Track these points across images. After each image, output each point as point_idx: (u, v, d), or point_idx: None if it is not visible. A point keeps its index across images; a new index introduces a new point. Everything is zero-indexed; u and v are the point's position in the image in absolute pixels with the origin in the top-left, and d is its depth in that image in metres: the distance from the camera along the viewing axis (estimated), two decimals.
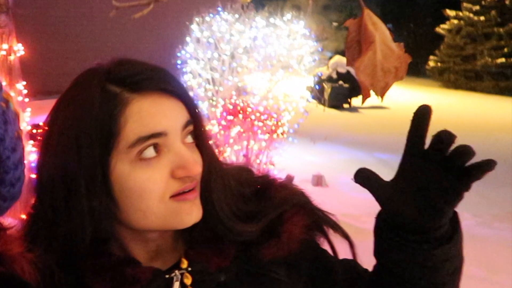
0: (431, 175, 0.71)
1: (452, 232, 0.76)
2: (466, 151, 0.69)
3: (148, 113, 0.72)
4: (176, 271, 0.78)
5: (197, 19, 6.29)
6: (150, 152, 0.72)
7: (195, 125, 0.78)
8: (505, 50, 17.98)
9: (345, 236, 0.87)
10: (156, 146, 0.73)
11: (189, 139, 0.77)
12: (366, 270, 0.90)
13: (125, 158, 0.72)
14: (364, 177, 0.75)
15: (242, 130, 5.11)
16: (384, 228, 0.78)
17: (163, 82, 0.75)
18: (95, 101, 0.72)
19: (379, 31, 0.72)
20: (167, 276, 0.77)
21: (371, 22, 0.72)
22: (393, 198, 0.74)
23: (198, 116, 0.79)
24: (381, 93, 0.71)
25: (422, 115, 0.71)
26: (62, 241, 0.72)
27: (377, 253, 0.81)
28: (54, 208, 0.72)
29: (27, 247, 0.70)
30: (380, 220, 0.79)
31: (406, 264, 0.76)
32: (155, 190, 0.73)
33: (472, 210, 5.71)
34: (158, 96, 0.74)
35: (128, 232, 0.78)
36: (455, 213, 0.77)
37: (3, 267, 0.68)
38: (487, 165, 0.69)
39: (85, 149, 0.71)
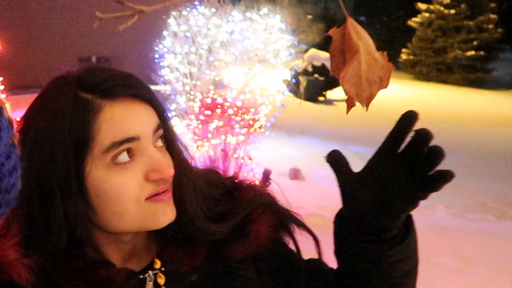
0: (396, 179, 0.74)
1: (405, 234, 0.78)
2: (438, 154, 0.71)
3: (121, 119, 0.74)
4: (150, 272, 0.81)
5: (174, 13, 6.26)
6: (124, 157, 0.74)
7: (165, 129, 0.80)
8: (475, 43, 18.29)
9: (310, 233, 0.90)
10: (129, 151, 0.75)
11: (160, 142, 0.79)
12: (331, 269, 0.92)
13: (99, 163, 0.74)
14: (335, 160, 0.77)
15: (220, 124, 5.12)
16: (340, 227, 0.80)
17: (134, 87, 0.76)
18: (68, 108, 0.73)
19: (363, 40, 0.73)
20: (141, 276, 0.80)
21: (354, 32, 0.73)
22: (354, 189, 0.76)
23: (167, 120, 0.81)
24: (366, 103, 0.72)
25: (408, 120, 0.73)
26: (39, 246, 0.73)
27: (335, 252, 0.84)
28: (31, 215, 0.73)
29: (23, 252, 0.71)
30: (338, 219, 0.81)
31: (360, 264, 0.79)
32: (131, 193, 0.74)
33: (445, 201, 5.86)
34: (129, 101, 0.75)
35: (102, 234, 0.79)
36: (409, 216, 0.79)
37: (0, 273, 0.69)
38: (445, 178, 0.71)
39: (59, 156, 0.73)
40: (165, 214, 0.77)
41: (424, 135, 0.71)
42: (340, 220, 0.80)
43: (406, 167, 0.73)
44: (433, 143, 0.72)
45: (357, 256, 0.78)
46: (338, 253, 0.83)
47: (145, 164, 0.75)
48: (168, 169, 0.76)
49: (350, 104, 0.73)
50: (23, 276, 0.70)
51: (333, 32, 0.74)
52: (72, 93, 0.74)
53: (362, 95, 0.72)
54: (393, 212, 0.74)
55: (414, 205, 0.74)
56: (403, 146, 0.75)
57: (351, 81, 0.72)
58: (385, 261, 0.77)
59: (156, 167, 0.75)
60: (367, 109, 0.72)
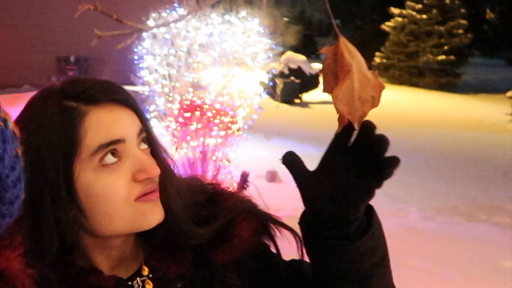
0: (349, 172, 0.75)
1: (367, 226, 0.79)
2: (382, 142, 0.73)
3: (106, 122, 0.77)
4: (138, 278, 0.83)
5: (153, 14, 6.25)
6: (111, 158, 0.77)
7: (147, 133, 0.83)
8: (445, 47, 18.67)
9: (292, 231, 0.92)
10: (115, 153, 0.77)
11: (144, 145, 0.82)
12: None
13: (88, 166, 0.76)
14: (291, 161, 0.78)
15: (199, 126, 5.14)
16: (305, 227, 0.81)
17: (115, 93, 0.80)
18: (54, 117, 0.76)
19: (355, 59, 0.73)
20: (129, 283, 0.82)
21: (347, 51, 0.73)
22: (311, 187, 0.77)
23: (148, 125, 0.84)
24: (358, 122, 0.74)
25: None
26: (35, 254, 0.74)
27: (306, 253, 0.85)
28: (22, 224, 0.73)
29: (27, 263, 0.72)
30: (302, 220, 0.82)
31: (328, 261, 0.80)
32: (120, 193, 0.77)
33: (417, 204, 6.01)
34: (112, 106, 0.79)
35: (92, 240, 0.81)
36: (371, 208, 0.80)
37: (5, 283, 0.71)
38: (393, 163, 0.73)
39: (48, 162, 0.75)
40: (154, 213, 0.79)
41: (368, 126, 0.74)
42: (304, 220, 0.82)
43: (357, 159, 0.75)
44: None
45: (324, 253, 0.80)
46: (308, 253, 0.85)
47: (132, 165, 0.78)
48: (154, 169, 0.79)
49: (341, 122, 0.75)
50: (27, 286, 0.72)
51: (325, 50, 0.76)
52: (57, 103, 0.77)
53: (354, 114, 0.73)
54: (351, 204, 0.76)
55: (370, 194, 0.76)
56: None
57: (344, 100, 0.73)
58: (352, 254, 0.78)
59: (143, 167, 0.78)
60: (359, 128, 0.74)
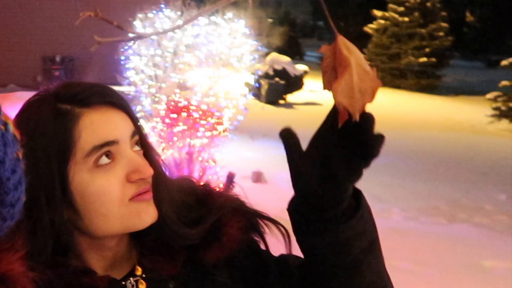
0: (338, 152, 0.76)
1: (355, 210, 0.79)
2: (368, 119, 0.74)
3: (100, 124, 0.79)
4: (131, 279, 0.84)
5: (140, 15, 6.24)
6: (105, 159, 0.78)
7: (140, 135, 0.85)
8: (427, 50, 18.92)
9: (280, 225, 0.92)
10: (109, 154, 0.79)
11: (137, 147, 0.83)
12: (301, 262, 0.92)
13: (83, 167, 0.78)
14: (288, 136, 0.78)
15: (186, 127, 5.15)
16: (293, 213, 0.81)
17: (109, 95, 0.81)
18: (49, 119, 0.77)
19: (354, 54, 0.74)
20: (123, 283, 0.83)
21: (345, 47, 0.74)
22: (301, 166, 0.78)
23: (141, 128, 0.86)
24: (359, 113, 0.75)
25: None
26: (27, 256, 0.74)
27: (296, 241, 0.85)
28: (22, 226, 0.74)
29: (28, 266, 0.72)
30: (291, 205, 0.82)
31: (315, 246, 0.80)
32: (114, 193, 0.78)
33: (400, 204, 6.10)
34: (106, 108, 0.80)
35: (86, 241, 0.82)
36: (360, 193, 0.81)
37: (6, 286, 0.72)
38: (379, 140, 0.74)
39: (43, 165, 0.76)
40: (148, 213, 0.81)
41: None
42: (293, 206, 0.82)
43: (346, 138, 0.75)
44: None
45: (312, 238, 0.79)
46: (297, 241, 0.84)
47: (126, 166, 0.80)
48: (148, 169, 0.81)
49: (342, 117, 0.76)
50: None
51: (324, 49, 0.76)
52: (51, 106, 0.79)
53: (355, 106, 0.73)
54: (340, 184, 0.76)
55: (358, 174, 0.76)
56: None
57: (343, 93, 0.73)
58: (340, 237, 0.77)
59: (136, 168, 0.80)
60: (359, 119, 0.75)
